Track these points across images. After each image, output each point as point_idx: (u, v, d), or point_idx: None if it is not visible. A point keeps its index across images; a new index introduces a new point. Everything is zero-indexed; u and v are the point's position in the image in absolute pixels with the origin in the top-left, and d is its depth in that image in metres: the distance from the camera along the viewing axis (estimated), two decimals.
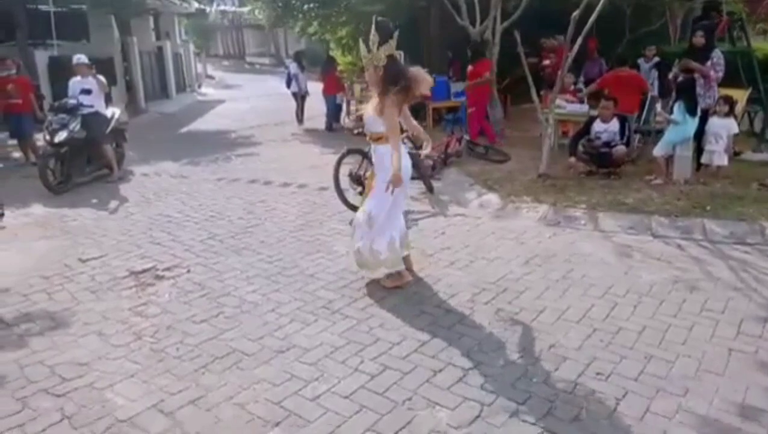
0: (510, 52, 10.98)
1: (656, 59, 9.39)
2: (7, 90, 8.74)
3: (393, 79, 3.67)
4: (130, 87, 16.73)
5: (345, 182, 6.33)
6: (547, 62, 10.24)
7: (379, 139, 3.99)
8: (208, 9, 30.32)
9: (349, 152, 6.40)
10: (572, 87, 9.09)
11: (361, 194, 6.25)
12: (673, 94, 6.78)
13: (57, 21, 14.16)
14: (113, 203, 6.70)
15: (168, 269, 4.66)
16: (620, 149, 6.81)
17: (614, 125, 7.00)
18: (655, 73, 9.32)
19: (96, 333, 3.60)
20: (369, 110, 3.97)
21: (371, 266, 4.22)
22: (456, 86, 11.90)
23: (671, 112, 6.37)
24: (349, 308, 3.92)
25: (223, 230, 5.66)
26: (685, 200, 5.93)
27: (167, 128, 13.61)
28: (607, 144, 6.94)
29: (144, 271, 4.62)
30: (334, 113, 12.60)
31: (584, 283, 4.33)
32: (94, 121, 7.67)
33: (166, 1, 16.82)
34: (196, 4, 23.01)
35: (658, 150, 6.51)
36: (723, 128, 6.45)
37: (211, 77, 29.70)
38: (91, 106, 7.63)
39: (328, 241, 5.33)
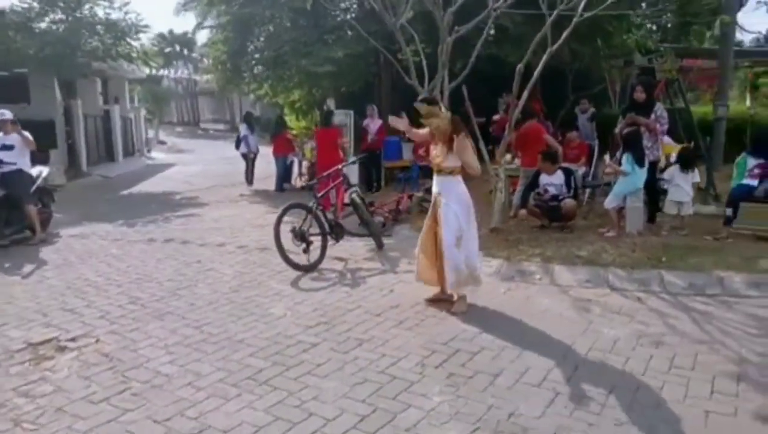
0: (459, 112, 11.15)
1: (592, 110, 9.56)
2: None
3: (458, 128, 4.47)
4: (72, 150, 16.07)
5: (288, 239, 5.90)
6: (496, 117, 10.31)
7: (450, 172, 4.55)
8: (159, 74, 30.22)
9: (292, 207, 6.01)
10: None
11: (305, 252, 5.84)
12: (620, 147, 6.77)
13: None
14: (28, 267, 6.03)
15: (73, 339, 4.04)
16: (569, 202, 6.68)
17: (559, 177, 6.91)
18: (593, 126, 9.47)
19: None
20: (438, 151, 4.57)
21: (470, 281, 4.62)
22: (407, 146, 11.87)
23: (619, 163, 6.31)
24: (279, 379, 3.40)
25: (148, 293, 5.08)
26: (640, 251, 5.75)
27: (108, 191, 12.96)
28: (556, 198, 6.80)
29: (44, 342, 3.99)
30: (283, 173, 12.30)
31: (543, 341, 3.96)
32: (15, 179, 7.08)
33: (113, 65, 16.48)
34: (146, 70, 22.78)
35: (609, 202, 6.39)
36: (686, 178, 6.42)
37: (162, 142, 29.23)
38: (14, 164, 7.06)
39: (265, 303, 4.82)
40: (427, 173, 11.67)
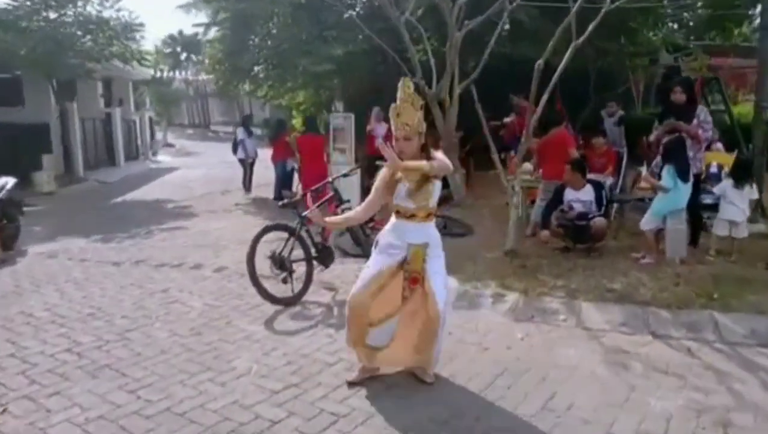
0: (472, 114, 10.21)
1: (620, 113, 8.57)
2: None
3: (436, 143, 3.69)
4: (67, 154, 15.44)
5: (265, 265, 5.05)
6: (507, 120, 9.34)
7: (430, 214, 3.40)
8: (169, 75, 29.70)
9: (270, 228, 5.16)
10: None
11: (285, 281, 4.98)
12: (656, 156, 5.81)
13: None
14: None
15: None
16: (600, 221, 5.73)
17: (587, 192, 5.95)
18: (621, 130, 8.47)
19: None
20: (414, 188, 3.31)
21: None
22: None
23: (659, 177, 5.34)
24: None
25: (93, 336, 4.25)
26: (685, 285, 4.80)
27: (99, 198, 12.24)
28: (583, 215, 5.86)
29: None
30: (282, 180, 11.44)
31: (574, 419, 3.05)
32: None
33: (108, 66, 15.82)
34: (151, 71, 22.16)
35: (646, 223, 5.42)
36: (742, 194, 5.45)
37: (171, 145, 28.65)
38: None
39: (229, 351, 3.97)
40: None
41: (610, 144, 7.62)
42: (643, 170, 5.99)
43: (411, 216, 3.31)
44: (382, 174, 3.39)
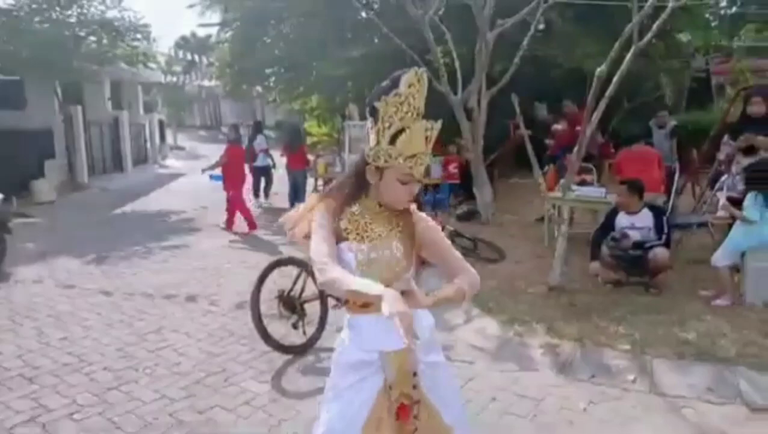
0: (497, 122, 9.44)
1: (672, 124, 7.73)
2: None
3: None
4: (71, 161, 14.88)
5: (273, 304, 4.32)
6: (557, 127, 8.52)
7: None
8: (177, 78, 29.23)
9: (279, 263, 4.42)
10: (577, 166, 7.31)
11: (295, 327, 4.24)
12: (725, 177, 5.00)
13: None
14: None
15: None
16: (661, 252, 4.92)
17: (645, 218, 5.15)
18: (673, 143, 7.64)
19: None
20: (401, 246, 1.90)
21: None
22: (433, 161, 10.21)
23: (739, 206, 4.52)
24: None
25: (66, 399, 3.53)
26: None
27: (100, 209, 11.58)
28: (640, 245, 5.06)
29: None
30: (295, 190, 10.70)
31: None
32: None
33: (118, 68, 15.27)
34: (159, 74, 21.61)
35: (721, 259, 4.60)
36: None
37: (181, 148, 28.14)
38: None
39: (227, 422, 3.24)
40: (460, 191, 10.07)
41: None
42: (722, 197, 5.04)
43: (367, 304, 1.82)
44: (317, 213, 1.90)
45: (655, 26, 4.74)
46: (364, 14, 9.63)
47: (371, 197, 1.87)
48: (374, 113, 1.80)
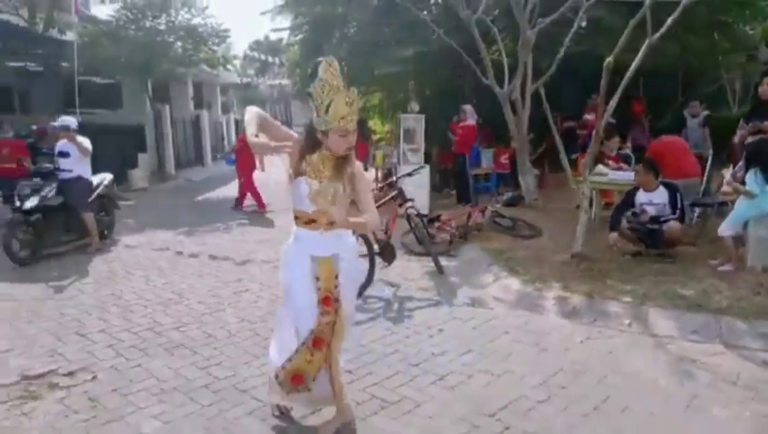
0: (539, 115, 9.99)
1: (704, 113, 8.07)
2: (1, 153, 8.33)
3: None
4: (160, 154, 16.62)
5: None
6: (588, 117, 9.05)
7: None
8: (251, 80, 31.03)
9: None
10: (614, 152, 7.84)
11: None
12: (741, 160, 5.47)
13: (96, 90, 14.36)
14: (69, 280, 5.81)
15: (71, 373, 3.61)
16: (673, 224, 5.48)
17: (661, 195, 5.70)
18: (705, 132, 7.98)
19: None
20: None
21: None
22: (486, 152, 10.91)
23: (743, 181, 5.03)
24: None
25: (172, 318, 4.62)
26: (766, 294, 4.51)
27: (186, 195, 13.08)
28: (656, 219, 5.62)
29: (39, 376, 3.58)
30: None
31: (626, 424, 2.98)
32: (73, 186, 6.98)
33: (200, 70, 16.88)
34: (236, 76, 23.34)
35: (726, 229, 5.12)
36: None
37: None
38: (70, 171, 6.95)
39: None
40: (510, 180, 10.68)
41: (693, 147, 7.24)
42: (727, 174, 5.62)
43: (310, 222, 2.74)
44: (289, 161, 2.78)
45: (670, 20, 5.28)
46: (420, 16, 10.43)
47: (324, 149, 2.72)
48: (311, 96, 2.67)
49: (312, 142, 2.73)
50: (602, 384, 3.42)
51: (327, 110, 2.62)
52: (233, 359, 3.80)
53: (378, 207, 3.51)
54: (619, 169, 7.49)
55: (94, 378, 3.55)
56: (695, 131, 7.65)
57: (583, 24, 8.91)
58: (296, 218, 2.82)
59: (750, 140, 4.98)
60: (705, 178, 7.10)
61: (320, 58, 2.71)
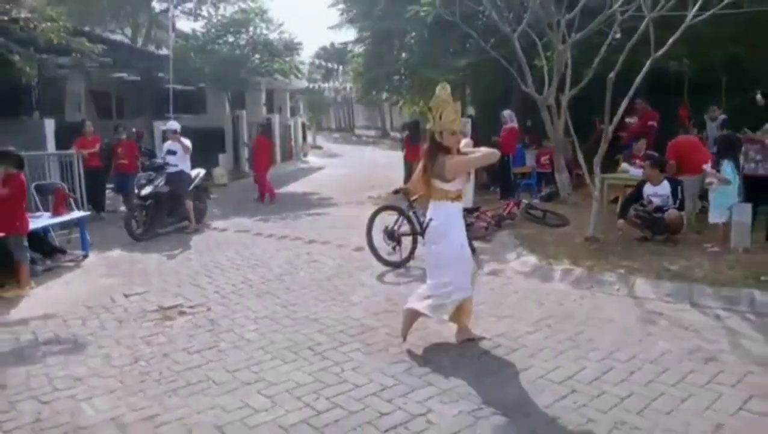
0: (583, 118, 10.84)
1: (722, 117, 8.77)
2: (117, 152, 10.19)
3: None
4: (237, 154, 18.51)
5: (380, 238, 6.53)
6: (629, 120, 9.88)
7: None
8: (317, 86, 32.86)
9: (385, 208, 6.62)
10: (641, 153, 8.68)
11: (394, 250, 6.41)
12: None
13: (184, 97, 16.40)
14: (178, 250, 7.41)
15: (192, 306, 5.07)
16: (673, 213, 6.39)
17: (664, 187, 6.62)
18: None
19: (102, 355, 4.02)
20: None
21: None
22: (530, 153, 11.89)
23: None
24: (333, 352, 4.02)
25: (258, 276, 6.05)
26: (739, 268, 5.39)
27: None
28: (660, 209, 6.54)
29: (171, 307, 5.06)
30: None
31: (587, 346, 4.07)
32: (177, 178, 8.64)
33: (273, 79, 18.69)
34: (305, 82, 25.18)
35: (715, 217, 6.01)
36: None
37: (319, 147, 31.81)
38: (176, 166, 8.63)
39: (348, 291, 5.49)
40: (548, 179, 11.59)
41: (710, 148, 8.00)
42: (707, 167, 6.42)
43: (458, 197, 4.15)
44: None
45: (671, 40, 6.19)
46: (469, 31, 11.56)
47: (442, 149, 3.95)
48: (430, 109, 3.95)
49: (435, 144, 3.90)
50: (581, 325, 4.49)
51: (440, 117, 3.83)
52: (305, 301, 5.16)
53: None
54: (641, 168, 8.36)
55: (209, 309, 5.00)
56: (713, 132, 8.38)
57: (617, 36, 9.75)
58: (442, 198, 4.00)
59: (721, 134, 5.81)
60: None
61: (439, 85, 3.94)
